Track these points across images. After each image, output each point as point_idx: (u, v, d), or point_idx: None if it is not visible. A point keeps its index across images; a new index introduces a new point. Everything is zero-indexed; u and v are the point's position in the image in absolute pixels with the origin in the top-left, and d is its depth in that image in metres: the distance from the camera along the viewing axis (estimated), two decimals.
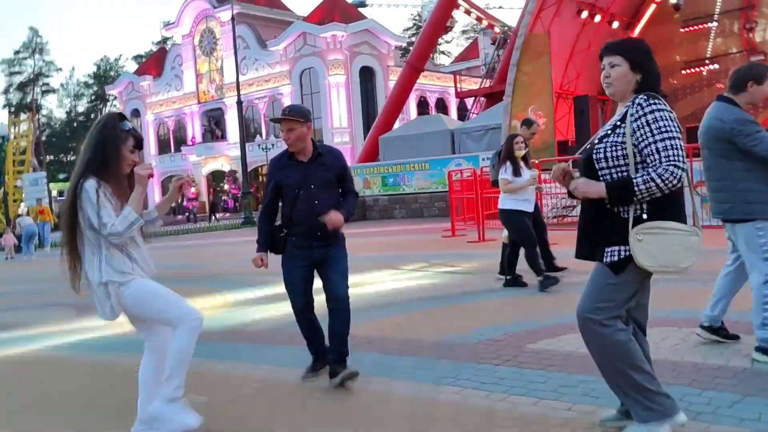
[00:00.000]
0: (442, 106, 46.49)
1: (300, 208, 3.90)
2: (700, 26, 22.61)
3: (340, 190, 4.05)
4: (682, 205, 2.75)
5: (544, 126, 18.25)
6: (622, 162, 2.71)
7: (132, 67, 64.09)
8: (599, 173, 2.78)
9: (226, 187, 45.58)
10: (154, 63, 52.31)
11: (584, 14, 20.32)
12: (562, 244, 10.62)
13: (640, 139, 2.66)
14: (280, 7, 48.19)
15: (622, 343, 2.75)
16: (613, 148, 2.73)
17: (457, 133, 22.42)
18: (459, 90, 33.43)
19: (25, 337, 6.35)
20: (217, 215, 39.25)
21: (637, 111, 2.69)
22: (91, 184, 3.01)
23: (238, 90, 27.53)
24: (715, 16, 22.33)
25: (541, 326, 5.01)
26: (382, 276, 8.48)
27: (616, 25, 21.67)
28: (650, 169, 2.62)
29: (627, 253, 2.70)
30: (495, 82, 28.81)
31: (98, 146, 3.11)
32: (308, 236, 3.91)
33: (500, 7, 49.89)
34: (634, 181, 2.62)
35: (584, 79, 21.42)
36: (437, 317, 5.69)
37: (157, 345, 3.25)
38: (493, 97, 27.51)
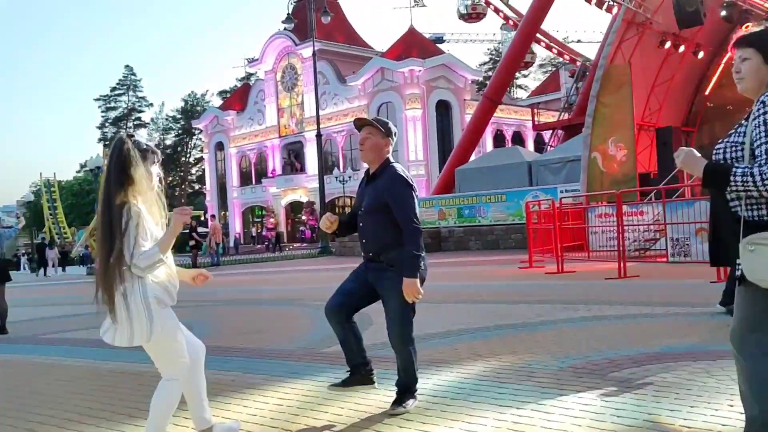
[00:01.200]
0: (518, 140, 46.17)
1: (359, 228, 3.93)
2: None
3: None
4: None
5: (625, 158, 17.87)
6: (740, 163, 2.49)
7: (217, 102, 66.80)
8: None
9: (303, 218, 46.49)
10: (238, 98, 54.37)
11: (667, 44, 19.88)
12: (645, 278, 10.32)
13: (755, 139, 2.44)
14: (359, 44, 49.35)
15: None
16: (732, 148, 2.53)
17: (534, 165, 22.19)
18: (536, 123, 33.18)
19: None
20: (292, 244, 39.99)
21: (758, 109, 2.45)
22: (136, 210, 3.04)
23: (318, 124, 28.25)
24: None
25: (624, 355, 4.86)
26: (458, 304, 8.44)
27: (701, 55, 21.10)
28: (755, 164, 2.38)
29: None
30: (573, 114, 28.48)
31: (125, 167, 3.09)
32: (364, 256, 3.95)
33: (578, 41, 49.32)
34: (734, 169, 2.39)
35: (667, 110, 20.91)
36: (516, 344, 5.60)
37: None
38: (571, 129, 27.17)
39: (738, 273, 2.50)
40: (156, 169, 3.23)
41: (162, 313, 3.08)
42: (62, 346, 7.20)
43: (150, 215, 3.14)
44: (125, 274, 3.03)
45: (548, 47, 33.65)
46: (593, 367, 4.58)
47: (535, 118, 33.27)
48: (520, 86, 70.00)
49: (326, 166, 39.99)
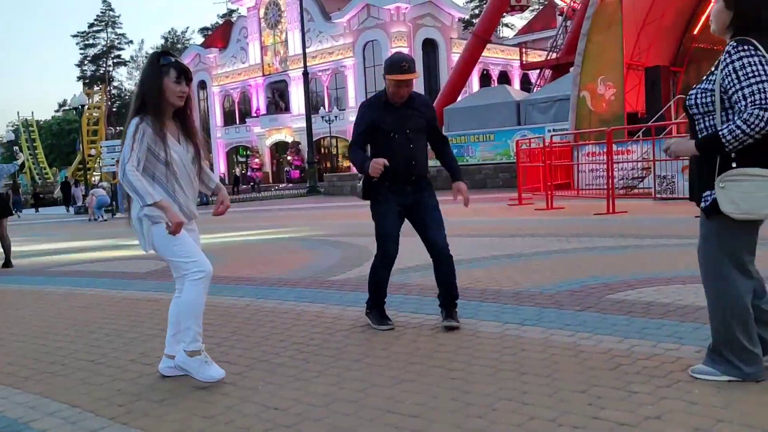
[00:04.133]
0: (505, 79, 45.97)
1: (396, 152, 3.97)
2: None
3: (436, 140, 4.24)
4: (765, 152, 2.71)
5: (613, 97, 18.01)
6: (711, 108, 2.78)
7: (199, 39, 65.42)
8: (694, 118, 2.88)
9: (289, 158, 46.38)
10: (220, 35, 53.37)
11: None
12: (633, 212, 10.65)
13: (728, 87, 2.69)
14: None
15: (733, 296, 2.83)
16: (703, 95, 2.81)
17: (523, 104, 22.27)
18: (524, 62, 33.02)
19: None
20: (277, 185, 39.95)
21: (725, 59, 2.72)
22: (134, 121, 3.11)
23: (305, 62, 27.94)
24: None
25: (618, 280, 5.15)
26: (453, 237, 8.66)
27: None
28: (735, 117, 2.66)
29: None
30: (562, 53, 28.39)
31: (142, 84, 3.23)
32: (402, 181, 4.03)
33: None
34: (720, 133, 2.65)
35: (656, 50, 20.89)
36: (513, 272, 5.88)
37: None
38: (559, 69, 27.15)
39: (706, 204, 2.85)
40: (173, 86, 3.20)
41: (154, 228, 3.16)
42: (72, 278, 7.41)
43: (163, 133, 3.16)
44: None
45: None
46: (590, 290, 4.87)
47: (523, 58, 33.10)
48: (506, 25, 69.12)
49: (311, 105, 39.67)
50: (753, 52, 2.67)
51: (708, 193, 2.83)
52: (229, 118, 52.09)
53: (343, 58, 42.98)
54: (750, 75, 2.64)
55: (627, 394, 2.80)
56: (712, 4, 2.94)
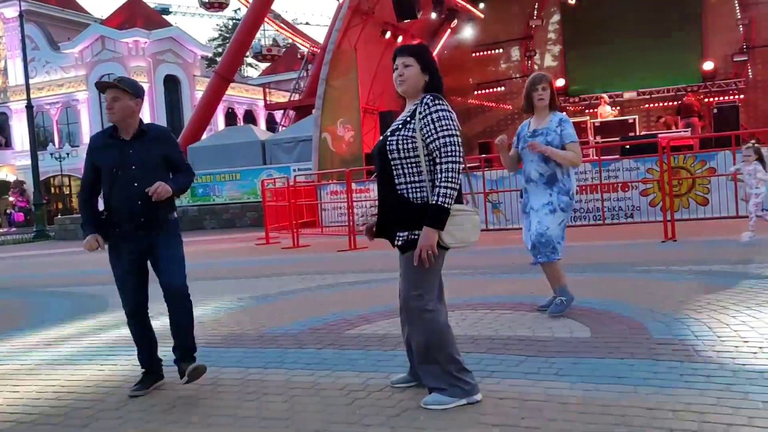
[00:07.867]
0: (250, 118, 46.27)
1: (118, 192, 3.64)
2: (488, 52, 24.97)
3: (171, 172, 3.80)
4: (460, 189, 3.15)
5: (352, 139, 19.08)
6: (412, 154, 3.07)
7: None
8: (392, 163, 3.12)
9: (11, 199, 41.45)
10: None
11: (388, 34, 21.53)
12: (373, 248, 11.29)
13: (427, 135, 3.04)
14: (74, 8, 45.10)
15: (444, 326, 3.16)
16: (404, 141, 3.08)
17: (268, 144, 22.57)
18: (268, 102, 33.60)
19: None
20: None
21: (424, 110, 3.07)
22: None
23: (28, 94, 25.38)
24: (501, 44, 24.82)
25: (356, 315, 5.42)
26: (198, 281, 8.44)
27: None
28: (437, 183, 2.98)
29: (414, 236, 3.06)
30: (304, 95, 29.42)
31: None
32: (130, 223, 3.65)
33: (307, 23, 50.86)
34: (439, 202, 2.96)
35: (388, 96, 22.64)
36: (258, 314, 5.88)
37: None
38: (301, 110, 28.06)
39: (399, 242, 3.12)
40: None
41: None
42: None
43: None
44: None
45: (279, 28, 34.18)
46: (331, 327, 5.05)
47: (267, 98, 33.67)
48: (250, 65, 69.86)
49: (38, 141, 36.08)
50: (446, 107, 3.09)
51: (403, 233, 3.09)
52: None
53: (75, 91, 39.87)
54: (445, 127, 3.02)
55: (362, 428, 2.95)
56: (400, 69, 3.21)
